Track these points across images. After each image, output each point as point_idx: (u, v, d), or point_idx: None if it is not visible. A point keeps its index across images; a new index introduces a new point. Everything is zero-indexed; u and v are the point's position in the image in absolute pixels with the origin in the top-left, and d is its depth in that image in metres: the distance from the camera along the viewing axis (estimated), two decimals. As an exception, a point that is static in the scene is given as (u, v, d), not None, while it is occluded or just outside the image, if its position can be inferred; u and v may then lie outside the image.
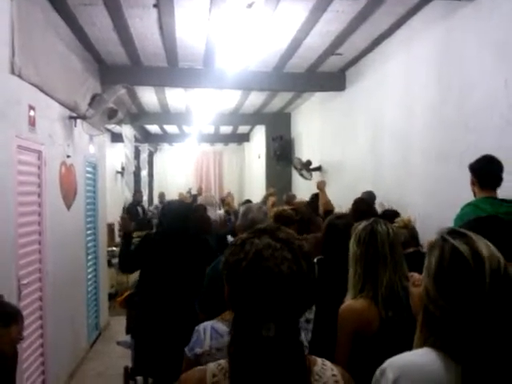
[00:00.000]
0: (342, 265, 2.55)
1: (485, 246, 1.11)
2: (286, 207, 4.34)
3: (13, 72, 3.15)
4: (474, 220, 2.05)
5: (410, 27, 4.54)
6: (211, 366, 1.11)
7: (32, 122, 3.52)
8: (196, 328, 1.87)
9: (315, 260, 2.64)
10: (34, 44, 3.55)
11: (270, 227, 1.10)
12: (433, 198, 4.09)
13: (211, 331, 1.82)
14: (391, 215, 3.72)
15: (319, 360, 1.11)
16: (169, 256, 3.33)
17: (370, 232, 2.12)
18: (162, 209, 3.93)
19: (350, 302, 2.09)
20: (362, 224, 2.16)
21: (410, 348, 2.06)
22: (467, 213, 2.75)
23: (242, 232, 2.71)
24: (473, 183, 2.88)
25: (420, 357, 1.13)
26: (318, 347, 2.25)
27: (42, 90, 3.72)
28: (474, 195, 2.92)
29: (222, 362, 1.10)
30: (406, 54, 4.66)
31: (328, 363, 1.11)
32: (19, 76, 3.24)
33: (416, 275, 2.25)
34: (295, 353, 1.02)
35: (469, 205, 2.84)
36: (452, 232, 1.17)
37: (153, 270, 3.35)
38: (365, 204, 4.02)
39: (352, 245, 2.15)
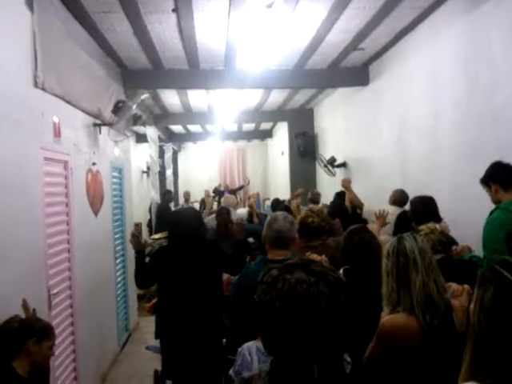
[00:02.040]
0: (368, 274, 2.52)
1: None
2: (311, 209, 4.29)
3: (36, 85, 3.19)
4: None
5: (434, 21, 4.43)
6: None
7: (57, 133, 3.56)
8: (239, 350, 1.79)
9: (341, 270, 2.61)
10: (55, 55, 3.59)
11: (303, 260, 1.03)
12: (461, 197, 3.99)
13: (257, 353, 1.73)
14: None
15: None
16: (182, 263, 3.31)
17: (397, 242, 2.11)
18: (170, 217, 3.82)
19: (392, 316, 2.05)
20: (390, 241, 2.15)
21: (453, 364, 2.02)
22: (500, 217, 2.69)
23: (269, 243, 2.71)
24: (496, 190, 2.82)
25: None
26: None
27: (65, 101, 3.76)
28: (496, 203, 2.85)
29: None
30: (431, 47, 4.55)
31: None
32: (42, 88, 3.28)
33: (455, 285, 2.21)
34: None
35: (498, 208, 2.77)
36: (505, 264, 1.12)
37: (169, 279, 3.35)
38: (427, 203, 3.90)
39: (383, 260, 2.14)
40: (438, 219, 3.52)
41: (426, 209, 3.59)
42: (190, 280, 3.31)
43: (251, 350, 1.77)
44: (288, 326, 0.93)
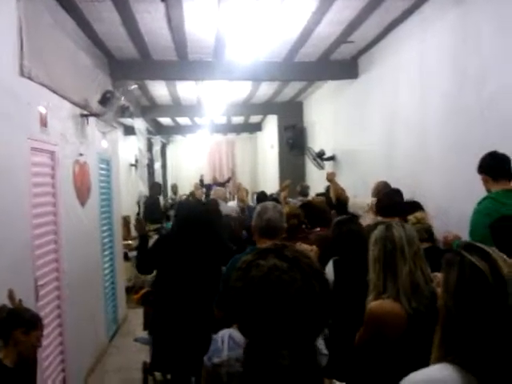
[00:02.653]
0: (357, 264, 2.54)
1: (503, 262, 1.09)
2: (313, 199, 4.28)
3: (22, 74, 3.14)
4: (502, 219, 2.01)
5: (424, 13, 4.43)
6: None
7: (44, 123, 3.52)
8: (214, 336, 1.86)
9: (332, 261, 2.63)
10: (42, 44, 3.54)
11: (277, 245, 1.03)
12: (450, 189, 4.02)
13: (229, 340, 1.81)
14: (414, 206, 3.68)
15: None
16: (185, 255, 3.32)
17: (385, 231, 2.12)
18: (178, 207, 3.91)
19: (379, 301, 2.06)
20: (378, 227, 2.15)
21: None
22: (487, 207, 2.71)
23: (258, 233, 2.71)
24: (485, 181, 2.85)
25: (439, 372, 1.10)
26: (334, 346, 2.24)
27: (52, 90, 3.72)
28: (488, 192, 2.88)
29: None
30: (420, 40, 4.56)
31: None
32: (29, 78, 3.23)
33: (440, 275, 2.22)
34: (311, 379, 0.97)
35: (486, 198, 2.80)
36: (469, 248, 1.15)
37: (169, 269, 3.35)
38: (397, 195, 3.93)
39: (370, 247, 2.14)
40: (404, 213, 3.54)
41: (391, 201, 3.63)
42: (188, 271, 3.31)
43: (224, 337, 1.83)
44: (260, 312, 0.94)
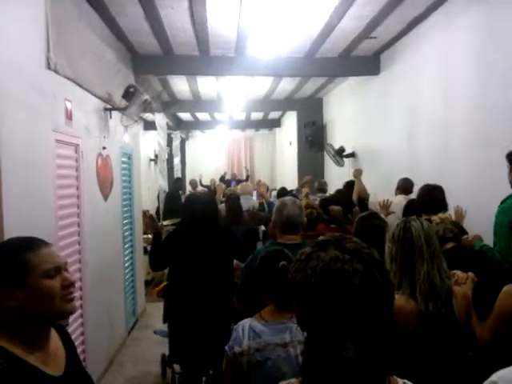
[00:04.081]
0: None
1: None
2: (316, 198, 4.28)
3: (49, 67, 3.19)
4: None
5: (448, 9, 4.37)
6: None
7: (69, 116, 3.56)
8: (235, 326, 1.88)
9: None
10: (67, 37, 3.58)
11: (335, 237, 1.01)
12: (475, 188, 3.96)
13: (249, 330, 1.83)
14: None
15: (400, 381, 1.02)
16: (195, 247, 3.33)
17: (403, 227, 2.09)
18: (185, 202, 3.86)
19: None
20: (396, 223, 2.13)
21: (449, 349, 2.01)
22: (511, 206, 2.66)
23: (279, 228, 2.72)
24: None
25: None
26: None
27: (77, 84, 3.76)
28: None
29: (293, 381, 1.03)
30: (444, 37, 4.50)
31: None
32: (55, 71, 3.27)
33: (459, 273, 2.18)
34: (375, 374, 0.94)
35: (510, 197, 2.74)
36: None
37: (181, 263, 3.37)
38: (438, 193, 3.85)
39: (387, 244, 2.11)
40: (445, 209, 3.49)
41: (433, 198, 3.54)
42: (201, 264, 3.33)
43: (244, 327, 1.87)
44: (322, 303, 0.93)
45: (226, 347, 1.86)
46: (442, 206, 3.52)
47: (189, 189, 12.44)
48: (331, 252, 0.96)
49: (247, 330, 1.84)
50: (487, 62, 3.80)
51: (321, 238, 1.03)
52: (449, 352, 2.02)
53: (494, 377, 1.08)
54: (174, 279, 3.50)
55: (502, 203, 2.82)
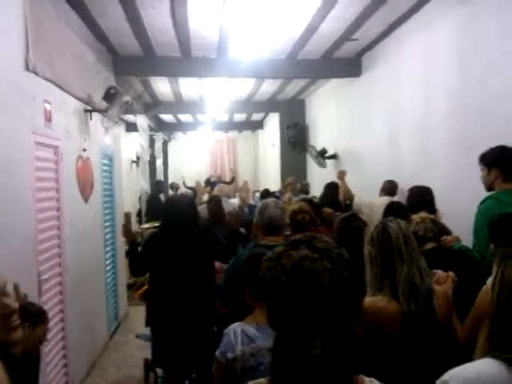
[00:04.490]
0: (362, 261, 2.53)
1: None
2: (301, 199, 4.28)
3: (27, 68, 3.14)
4: (501, 217, 2.00)
5: (428, 11, 4.42)
6: None
7: (48, 118, 3.51)
8: (225, 331, 1.84)
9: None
10: (47, 38, 3.53)
11: (307, 237, 1.03)
12: (455, 189, 4.00)
13: (241, 335, 1.80)
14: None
15: (367, 380, 1.03)
16: (175, 250, 3.30)
17: (381, 229, 2.10)
18: (164, 204, 3.84)
19: (373, 298, 2.05)
20: (374, 225, 2.14)
21: (431, 348, 2.03)
22: (490, 207, 2.69)
23: (261, 230, 2.72)
24: (496, 176, 2.80)
25: (488, 368, 1.07)
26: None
27: (56, 85, 3.71)
28: (489, 187, 2.84)
29: (262, 380, 1.04)
30: (424, 38, 4.55)
31: (376, 382, 1.04)
32: (34, 72, 3.23)
33: (440, 272, 2.21)
34: (342, 372, 0.95)
35: (489, 198, 2.77)
36: None
37: (162, 266, 3.34)
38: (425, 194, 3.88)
39: (366, 246, 2.12)
40: (433, 210, 3.52)
41: (423, 199, 3.57)
42: (181, 267, 3.30)
43: (236, 331, 1.83)
44: (291, 301, 0.94)
45: (217, 353, 1.82)
46: (432, 206, 3.55)
47: (170, 191, 12.38)
48: (302, 251, 0.98)
49: (239, 335, 1.80)
50: (466, 63, 3.85)
51: (293, 237, 1.04)
52: (430, 351, 2.04)
53: (446, 376, 1.10)
54: (154, 283, 3.47)
55: (481, 204, 2.85)
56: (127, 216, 3.75)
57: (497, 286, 1.13)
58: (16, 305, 1.17)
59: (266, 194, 6.88)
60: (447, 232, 3.13)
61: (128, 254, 3.52)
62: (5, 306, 1.13)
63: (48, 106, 3.51)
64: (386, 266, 2.05)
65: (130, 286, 6.79)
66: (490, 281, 1.65)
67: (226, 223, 4.28)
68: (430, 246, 2.74)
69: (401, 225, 2.12)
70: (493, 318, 1.12)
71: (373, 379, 1.04)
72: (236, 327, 1.85)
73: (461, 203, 3.80)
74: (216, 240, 3.48)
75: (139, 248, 3.58)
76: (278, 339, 0.99)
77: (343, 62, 6.32)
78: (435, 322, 2.07)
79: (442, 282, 2.18)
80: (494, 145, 2.94)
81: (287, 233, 3.27)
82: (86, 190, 4.55)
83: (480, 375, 1.08)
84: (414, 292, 2.02)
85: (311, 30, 5.08)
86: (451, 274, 2.25)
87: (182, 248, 3.32)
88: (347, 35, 5.29)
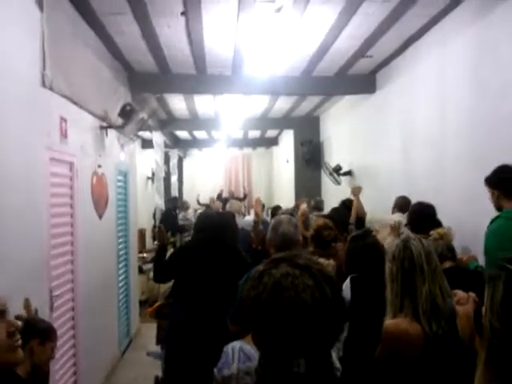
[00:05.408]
0: (374, 281, 2.48)
1: None
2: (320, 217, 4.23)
3: (44, 85, 3.18)
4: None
5: (443, 28, 4.40)
6: None
7: (64, 134, 3.54)
8: (224, 348, 1.82)
9: (349, 278, 2.57)
10: (64, 55, 3.58)
11: (288, 255, 1.03)
12: (470, 206, 3.93)
13: (239, 353, 1.77)
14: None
15: None
16: (204, 267, 3.29)
17: (403, 247, 2.06)
18: (197, 219, 3.91)
19: (396, 320, 2.00)
20: (395, 242, 2.10)
21: (455, 371, 1.96)
22: (501, 226, 2.63)
23: (273, 247, 2.68)
24: (498, 196, 2.75)
25: None
26: (349, 364, 2.17)
27: (72, 102, 3.75)
28: (498, 208, 2.78)
29: None
30: (439, 55, 4.52)
31: None
32: (50, 88, 3.26)
33: (460, 293, 2.14)
34: None
35: (499, 217, 2.71)
36: None
37: (187, 280, 3.32)
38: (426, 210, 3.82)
39: (387, 264, 2.08)
40: (436, 226, 3.44)
41: (422, 217, 3.50)
42: (206, 283, 3.28)
43: (234, 349, 1.80)
44: (274, 319, 0.93)
45: (215, 370, 1.80)
46: (433, 223, 3.46)
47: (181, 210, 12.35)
48: (283, 268, 0.97)
49: (237, 353, 1.78)
50: (481, 80, 3.81)
51: (275, 255, 1.03)
52: (455, 374, 1.98)
53: None
54: (176, 297, 3.45)
55: (491, 223, 2.78)
56: (159, 227, 3.83)
57: (488, 311, 1.07)
58: (19, 323, 1.19)
59: (275, 210, 6.82)
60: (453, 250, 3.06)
61: (155, 256, 3.60)
62: (10, 324, 1.16)
63: (64, 123, 3.54)
64: (407, 283, 2.02)
65: (142, 303, 6.76)
66: None
67: (251, 241, 4.25)
68: (447, 264, 2.68)
69: (423, 242, 2.09)
70: (488, 346, 1.07)
71: None
72: (235, 345, 1.83)
73: (475, 220, 3.72)
74: (242, 259, 3.46)
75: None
76: (262, 359, 0.97)
77: (358, 78, 6.31)
78: (459, 343, 2.00)
79: (464, 302, 2.12)
80: (507, 161, 2.89)
81: (310, 249, 3.22)
82: (100, 206, 4.56)
83: None
84: (436, 312, 1.97)
85: (325, 48, 5.09)
86: (472, 294, 2.19)
87: (210, 265, 3.31)
88: (361, 52, 5.29)
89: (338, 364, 1.71)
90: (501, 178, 2.77)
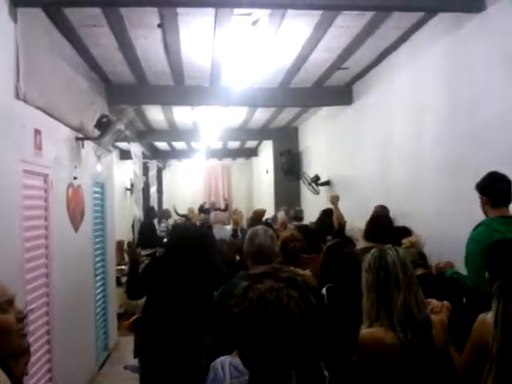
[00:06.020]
0: (350, 290, 2.50)
1: None
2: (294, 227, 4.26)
3: (18, 97, 3.15)
4: (494, 244, 1.99)
5: (417, 40, 4.50)
6: None
7: (38, 146, 3.51)
8: (212, 364, 1.77)
9: (325, 288, 2.59)
10: (39, 67, 3.55)
11: (271, 269, 1.03)
12: (445, 215, 4.00)
13: (230, 368, 1.71)
14: (403, 232, 3.62)
15: None
16: (176, 279, 3.27)
17: (378, 256, 2.08)
18: (170, 231, 3.88)
19: (371, 329, 2.02)
20: (371, 251, 2.12)
21: (431, 379, 1.99)
22: (481, 233, 2.68)
23: (250, 259, 2.68)
24: (486, 203, 2.81)
25: None
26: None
27: (47, 113, 3.72)
28: (486, 214, 2.85)
29: None
30: (413, 67, 4.62)
31: None
32: (24, 100, 3.23)
33: (434, 302, 2.18)
34: None
35: (481, 225, 2.76)
36: None
37: (160, 293, 3.29)
38: (384, 220, 3.87)
39: (363, 273, 2.10)
40: (391, 240, 3.43)
41: (377, 227, 3.55)
42: (180, 295, 3.25)
43: (224, 364, 1.76)
44: (261, 334, 0.92)
45: None
46: (388, 234, 3.43)
47: (163, 220, 12.30)
48: (267, 283, 0.97)
49: (228, 369, 1.73)
50: (455, 92, 3.90)
51: (258, 270, 1.03)
52: (431, 382, 2.00)
53: None
54: (150, 310, 3.41)
55: (473, 230, 2.84)
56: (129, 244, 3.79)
57: (499, 323, 1.08)
58: (25, 311, 1.31)
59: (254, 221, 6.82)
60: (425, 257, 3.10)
61: (128, 272, 3.54)
62: (18, 311, 1.27)
63: (38, 135, 3.51)
64: (383, 293, 2.03)
65: (120, 316, 6.67)
66: (490, 316, 1.61)
67: (222, 252, 4.25)
68: (419, 271, 2.72)
69: (399, 252, 2.11)
70: (498, 358, 1.08)
71: None
72: (224, 360, 1.79)
73: (451, 228, 3.79)
74: (218, 269, 3.45)
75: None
76: (252, 373, 0.96)
77: (334, 90, 6.39)
78: (434, 351, 2.03)
79: (437, 311, 2.15)
80: (483, 170, 2.96)
81: (279, 259, 3.24)
82: (76, 218, 4.51)
83: None
84: (411, 321, 1.99)
85: (302, 60, 5.15)
86: (446, 303, 2.23)
87: (181, 275, 3.28)
88: (338, 64, 5.37)
89: (326, 372, 1.71)
90: (491, 186, 2.81)
